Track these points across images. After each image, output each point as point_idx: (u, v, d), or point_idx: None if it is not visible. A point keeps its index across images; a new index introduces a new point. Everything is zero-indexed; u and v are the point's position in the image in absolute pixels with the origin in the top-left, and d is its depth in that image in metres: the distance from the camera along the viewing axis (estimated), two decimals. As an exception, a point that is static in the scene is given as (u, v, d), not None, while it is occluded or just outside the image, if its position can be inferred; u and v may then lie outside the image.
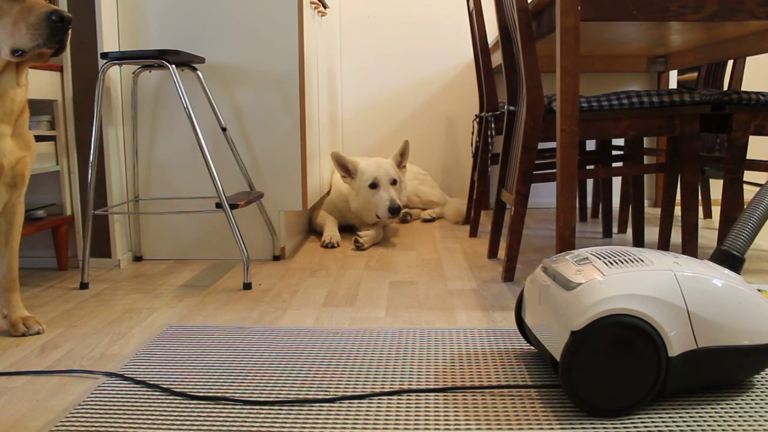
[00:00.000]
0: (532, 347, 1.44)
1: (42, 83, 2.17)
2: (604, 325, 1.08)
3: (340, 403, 1.18)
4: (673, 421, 1.08)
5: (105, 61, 2.12)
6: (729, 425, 1.06)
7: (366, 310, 1.79)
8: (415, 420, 1.11)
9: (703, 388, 1.18)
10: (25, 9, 1.41)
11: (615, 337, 1.08)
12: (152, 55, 2.05)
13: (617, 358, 1.08)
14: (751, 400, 1.15)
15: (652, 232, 2.80)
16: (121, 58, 2.09)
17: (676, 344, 1.09)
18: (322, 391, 1.23)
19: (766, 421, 1.08)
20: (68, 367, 1.39)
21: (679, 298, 1.10)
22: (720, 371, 1.14)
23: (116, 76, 2.36)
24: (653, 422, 1.08)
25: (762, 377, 1.25)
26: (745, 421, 1.08)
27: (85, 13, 2.26)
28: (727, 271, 1.19)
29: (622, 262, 1.16)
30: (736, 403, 1.14)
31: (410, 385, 1.25)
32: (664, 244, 2.21)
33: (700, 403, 1.14)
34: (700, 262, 1.20)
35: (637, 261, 1.16)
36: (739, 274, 1.20)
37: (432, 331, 1.57)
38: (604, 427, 1.07)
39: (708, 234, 2.84)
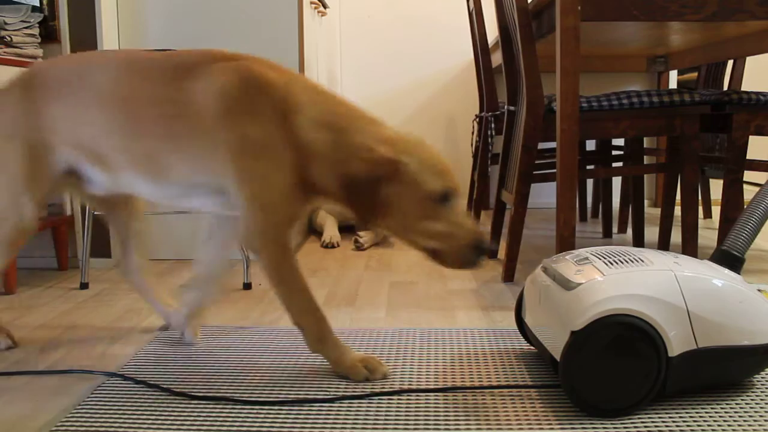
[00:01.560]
0: (532, 347, 1.44)
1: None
2: (604, 325, 1.08)
3: (340, 403, 1.18)
4: (673, 421, 1.08)
5: (105, 61, 2.12)
6: (729, 425, 1.06)
7: (366, 310, 1.79)
8: (415, 420, 1.11)
9: (703, 388, 1.18)
10: (455, 223, 1.22)
11: (615, 337, 1.08)
12: (152, 55, 2.05)
13: (617, 358, 1.08)
14: (751, 400, 1.15)
15: (652, 232, 2.80)
16: (121, 58, 2.09)
17: (676, 344, 1.09)
18: (322, 391, 1.23)
19: (766, 421, 1.08)
20: (68, 367, 1.39)
21: (679, 298, 1.10)
22: (720, 371, 1.14)
23: (116, 76, 2.36)
24: (653, 422, 1.08)
25: (762, 377, 1.24)
26: (745, 421, 1.08)
27: (85, 13, 2.26)
28: (727, 271, 1.19)
29: (622, 262, 1.16)
30: (736, 403, 1.14)
31: (410, 385, 1.25)
32: (664, 244, 2.21)
33: (700, 403, 1.14)
34: (700, 262, 1.20)
35: (637, 261, 1.16)
36: (739, 274, 1.20)
37: (432, 331, 1.56)
38: (604, 427, 1.07)
39: (708, 234, 2.84)
